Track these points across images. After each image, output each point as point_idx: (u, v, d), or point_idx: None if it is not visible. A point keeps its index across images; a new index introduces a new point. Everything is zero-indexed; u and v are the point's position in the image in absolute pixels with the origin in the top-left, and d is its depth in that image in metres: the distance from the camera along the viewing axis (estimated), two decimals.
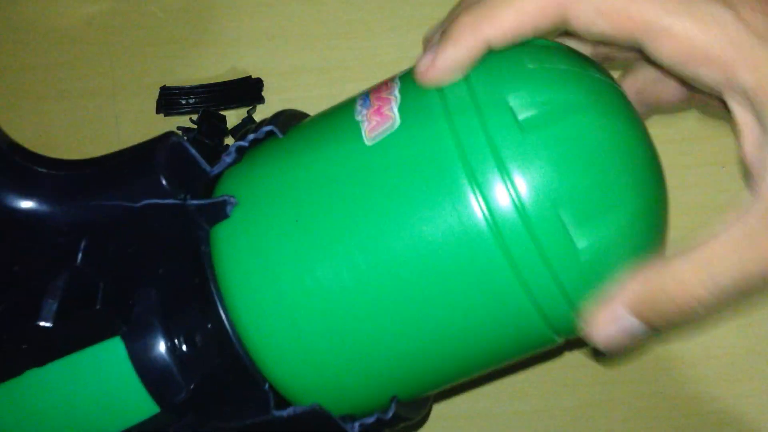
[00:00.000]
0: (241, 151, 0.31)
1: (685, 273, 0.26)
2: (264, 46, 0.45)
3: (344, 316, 0.27)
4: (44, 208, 0.29)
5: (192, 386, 0.29)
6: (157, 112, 0.44)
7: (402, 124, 0.27)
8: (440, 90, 0.27)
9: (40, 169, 0.30)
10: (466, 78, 0.27)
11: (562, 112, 0.26)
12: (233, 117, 0.44)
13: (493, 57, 0.27)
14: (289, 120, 0.32)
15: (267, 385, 0.29)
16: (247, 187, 0.30)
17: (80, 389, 0.30)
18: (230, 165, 0.31)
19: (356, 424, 0.29)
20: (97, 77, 0.45)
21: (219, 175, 0.31)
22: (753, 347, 0.43)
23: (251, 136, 0.31)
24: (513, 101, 0.26)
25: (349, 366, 0.28)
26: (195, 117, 0.43)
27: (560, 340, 0.29)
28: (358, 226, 0.27)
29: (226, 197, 0.29)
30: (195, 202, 0.29)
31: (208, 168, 0.30)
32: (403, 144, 0.27)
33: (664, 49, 0.25)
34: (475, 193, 0.25)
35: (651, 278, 0.26)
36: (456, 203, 0.26)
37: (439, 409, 0.43)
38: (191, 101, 0.44)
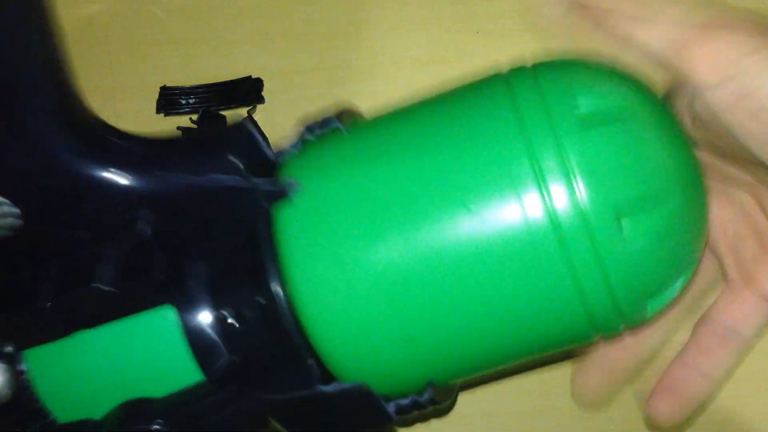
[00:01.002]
0: (304, 138, 0.33)
1: None
2: (264, 46, 0.45)
3: (403, 298, 0.29)
4: (117, 177, 0.31)
5: (236, 358, 0.31)
6: (157, 112, 0.44)
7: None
8: (507, 79, 0.30)
9: (118, 141, 0.32)
10: (534, 70, 0.29)
11: (621, 113, 0.28)
12: (233, 117, 0.44)
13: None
14: (349, 117, 0.34)
15: (312, 362, 0.30)
16: (317, 172, 0.31)
17: (128, 352, 0.32)
18: (299, 144, 0.33)
19: (391, 404, 0.30)
20: (97, 77, 0.45)
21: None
22: (753, 347, 0.43)
23: (318, 131, 0.33)
24: (578, 98, 0.28)
25: (398, 346, 0.29)
26: (195, 117, 0.43)
27: (595, 338, 0.30)
28: (425, 212, 0.28)
29: (291, 180, 0.31)
30: (261, 181, 0.31)
31: (271, 154, 0.32)
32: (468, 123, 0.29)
33: None
34: (539, 186, 0.27)
35: None
36: (520, 192, 0.27)
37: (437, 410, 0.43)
38: (191, 101, 0.44)
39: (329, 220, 0.30)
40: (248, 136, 0.32)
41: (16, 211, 0.31)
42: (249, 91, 0.44)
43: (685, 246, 0.29)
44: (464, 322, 0.29)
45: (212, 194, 0.31)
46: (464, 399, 0.43)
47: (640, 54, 0.28)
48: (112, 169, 0.31)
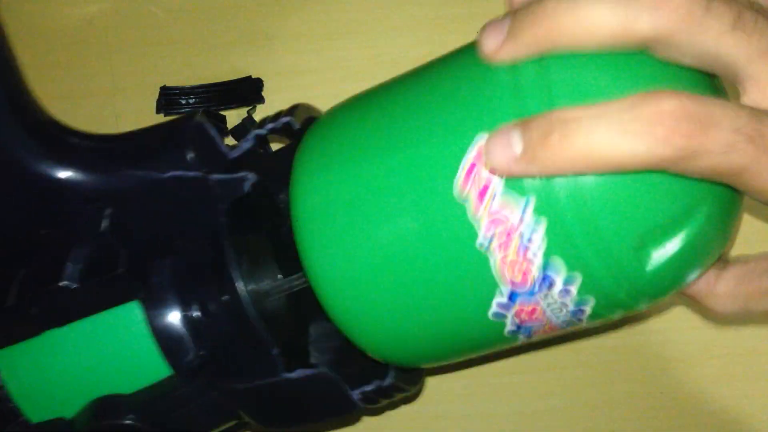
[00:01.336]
0: (259, 139, 0.34)
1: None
2: (264, 46, 0.45)
3: (392, 272, 0.26)
4: (77, 176, 0.32)
5: (203, 351, 0.32)
6: (157, 112, 0.44)
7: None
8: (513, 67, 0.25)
9: (74, 140, 0.33)
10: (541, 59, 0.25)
11: None
12: (233, 117, 0.44)
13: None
14: (304, 113, 0.34)
15: (277, 351, 0.31)
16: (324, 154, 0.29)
17: (97, 350, 0.32)
18: (248, 150, 0.33)
19: (356, 392, 0.31)
20: (97, 77, 0.45)
21: (238, 159, 0.33)
22: (753, 347, 0.43)
23: (270, 125, 0.33)
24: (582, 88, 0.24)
25: (394, 311, 0.27)
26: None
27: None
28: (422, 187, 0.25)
29: (244, 174, 0.32)
30: (217, 176, 0.31)
31: (226, 151, 0.33)
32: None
33: None
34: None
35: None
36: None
37: (438, 410, 0.43)
38: (191, 101, 0.44)
39: (335, 199, 0.27)
40: (202, 132, 0.32)
41: None
42: (249, 91, 0.44)
43: (718, 242, 0.26)
44: (452, 295, 0.26)
45: (170, 189, 0.32)
46: (463, 399, 0.43)
47: None
48: (70, 168, 0.31)
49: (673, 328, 0.43)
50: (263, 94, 0.44)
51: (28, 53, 0.47)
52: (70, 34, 0.45)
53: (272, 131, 0.34)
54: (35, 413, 0.32)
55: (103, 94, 0.45)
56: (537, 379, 0.43)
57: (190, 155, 0.32)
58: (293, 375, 0.31)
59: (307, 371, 0.30)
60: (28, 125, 0.32)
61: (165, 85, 0.44)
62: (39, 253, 0.32)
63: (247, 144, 0.33)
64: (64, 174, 0.32)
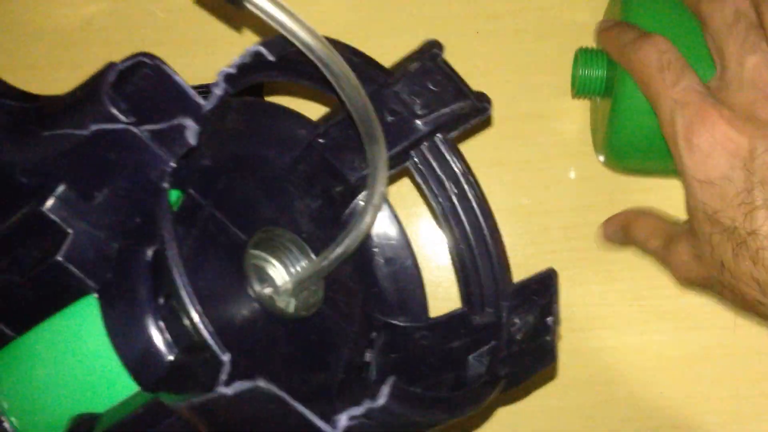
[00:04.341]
0: (229, 79, 0.28)
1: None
2: None
3: None
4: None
5: (171, 357, 0.26)
6: None
7: None
8: None
9: None
10: None
11: None
12: None
13: None
14: (280, 44, 0.29)
15: (227, 357, 0.24)
16: None
17: (63, 360, 0.28)
18: (222, 98, 0.28)
19: (343, 416, 0.25)
20: None
21: (217, 111, 0.28)
22: (753, 347, 0.43)
23: (238, 60, 0.28)
24: None
25: None
26: None
27: None
28: None
29: (181, 120, 0.26)
30: (147, 126, 0.25)
31: (200, 100, 0.27)
32: None
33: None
34: None
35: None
36: None
37: None
38: None
39: None
40: (155, 76, 0.27)
41: None
42: (249, 91, 0.44)
43: None
44: None
45: (97, 152, 0.26)
46: None
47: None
48: None
49: (673, 328, 0.43)
50: (263, 94, 0.44)
51: (28, 53, 0.47)
52: (70, 34, 0.45)
53: (242, 67, 0.28)
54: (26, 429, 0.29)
55: None
56: (537, 379, 0.43)
57: (109, 107, 0.25)
58: (230, 389, 0.24)
59: (245, 384, 0.24)
60: None
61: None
62: None
63: (218, 90, 0.27)
64: None
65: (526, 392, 0.43)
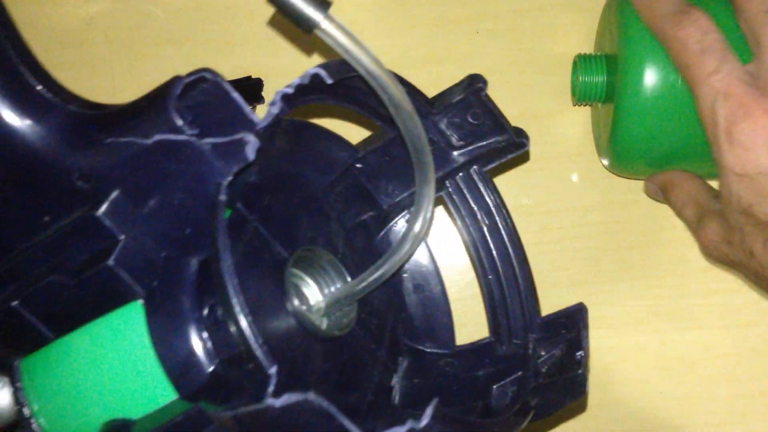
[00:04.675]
0: (286, 99, 0.29)
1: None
2: (264, 46, 0.45)
3: None
4: (55, 142, 0.27)
5: (212, 368, 0.26)
6: None
7: None
8: None
9: (55, 100, 0.28)
10: None
11: None
12: None
13: None
14: (336, 66, 0.30)
15: (274, 369, 0.25)
16: None
17: (102, 363, 0.28)
18: (277, 116, 0.28)
19: None
20: (97, 77, 0.45)
21: (270, 129, 0.28)
22: (753, 347, 0.43)
23: (297, 81, 0.28)
24: None
25: None
26: None
27: None
28: None
29: (244, 135, 0.26)
30: (210, 140, 0.26)
31: (255, 118, 0.27)
32: None
33: None
34: None
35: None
36: None
37: None
38: None
39: None
40: (215, 93, 0.27)
41: None
42: (249, 91, 0.44)
43: None
44: None
45: (157, 161, 0.27)
46: None
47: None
48: (55, 137, 0.28)
49: (674, 328, 0.43)
50: (263, 94, 0.44)
51: None
52: (70, 34, 0.45)
53: (300, 88, 0.28)
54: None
55: (103, 94, 0.45)
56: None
57: (175, 115, 0.26)
58: (278, 402, 0.24)
59: (294, 397, 0.24)
60: (15, 92, 0.28)
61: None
62: (42, 248, 0.28)
63: (275, 108, 0.28)
64: (46, 143, 0.27)
65: (556, 422, 0.43)
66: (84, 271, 0.27)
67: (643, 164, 0.39)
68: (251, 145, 0.26)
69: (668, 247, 0.43)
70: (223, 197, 0.26)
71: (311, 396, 0.24)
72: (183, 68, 0.45)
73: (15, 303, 0.28)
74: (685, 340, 0.43)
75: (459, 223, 0.36)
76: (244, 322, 0.24)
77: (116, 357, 0.28)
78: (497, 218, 0.35)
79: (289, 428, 0.25)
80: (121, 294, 0.27)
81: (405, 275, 0.36)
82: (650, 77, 0.35)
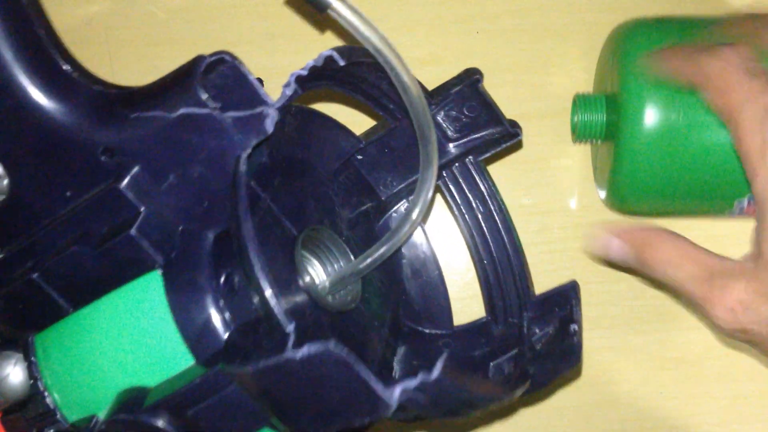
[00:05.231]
0: (300, 81, 0.30)
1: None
2: (264, 46, 0.45)
3: None
4: (81, 119, 0.29)
5: (227, 334, 0.28)
6: None
7: None
8: None
9: (81, 80, 0.30)
10: None
11: None
12: None
13: None
14: (348, 50, 0.31)
15: (292, 326, 0.26)
16: None
17: (120, 332, 0.29)
18: (291, 98, 0.30)
19: (397, 388, 0.25)
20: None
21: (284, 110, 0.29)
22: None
23: (311, 63, 0.30)
24: None
25: None
26: None
27: None
28: None
29: (264, 109, 0.28)
30: (232, 113, 0.28)
31: (269, 99, 0.29)
32: None
33: None
34: None
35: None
36: None
37: None
38: None
39: None
40: (233, 73, 0.29)
41: (1, 171, 0.30)
42: None
43: None
44: None
45: (181, 134, 0.28)
46: None
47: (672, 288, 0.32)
48: (81, 113, 0.29)
49: (673, 328, 0.43)
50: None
51: None
52: (70, 34, 0.45)
53: (313, 70, 0.30)
54: (70, 410, 0.31)
55: None
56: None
57: (200, 93, 0.28)
58: (299, 353, 0.25)
59: (313, 347, 0.24)
60: (43, 70, 0.29)
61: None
62: (58, 215, 0.30)
63: (288, 90, 0.29)
64: (71, 117, 0.29)
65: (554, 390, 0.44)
66: (106, 241, 0.28)
67: (643, 204, 0.39)
68: (270, 118, 0.28)
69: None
70: (243, 167, 0.27)
71: (332, 344, 0.25)
72: None
73: (35, 275, 0.29)
74: (685, 340, 0.43)
75: (455, 210, 0.37)
76: (263, 281, 0.26)
77: (135, 325, 0.29)
78: (491, 206, 0.36)
79: (309, 379, 0.26)
80: (141, 263, 0.29)
81: (404, 261, 0.37)
82: (651, 116, 0.35)
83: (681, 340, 0.43)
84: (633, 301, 0.43)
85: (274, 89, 0.45)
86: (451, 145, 0.36)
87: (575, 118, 0.40)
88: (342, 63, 0.30)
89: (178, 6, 0.45)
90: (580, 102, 0.40)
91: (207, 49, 0.45)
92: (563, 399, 0.43)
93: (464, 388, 0.27)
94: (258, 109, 0.28)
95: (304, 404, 0.27)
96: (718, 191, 0.36)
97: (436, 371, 0.25)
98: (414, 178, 0.36)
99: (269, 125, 0.28)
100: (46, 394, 0.30)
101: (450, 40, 0.44)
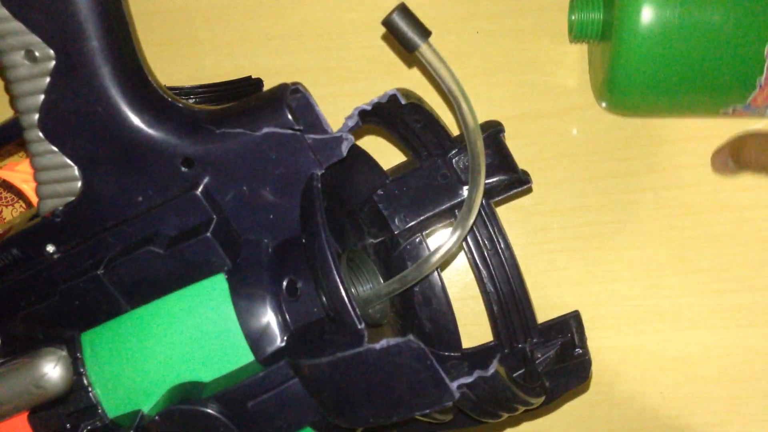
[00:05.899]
0: (363, 115, 0.32)
1: None
2: (264, 46, 0.45)
3: None
4: (172, 134, 0.31)
5: (287, 335, 0.30)
6: None
7: None
8: None
9: (176, 103, 0.32)
10: None
11: None
12: None
13: None
14: (405, 92, 0.34)
15: (363, 325, 0.28)
16: None
17: (180, 330, 0.31)
18: (352, 128, 0.32)
19: (455, 384, 0.28)
20: None
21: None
22: (753, 347, 0.43)
23: (375, 100, 0.33)
24: None
25: None
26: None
27: None
28: None
29: (342, 134, 0.30)
30: (313, 135, 0.30)
31: (330, 129, 0.31)
32: None
33: None
34: None
35: None
36: None
37: None
38: (191, 101, 0.44)
39: None
40: (304, 101, 0.31)
41: (77, 173, 0.31)
42: (249, 91, 0.44)
43: None
44: None
45: (264, 150, 0.31)
46: None
47: None
48: (169, 127, 0.31)
49: (673, 328, 0.43)
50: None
51: None
52: None
53: (377, 106, 0.32)
54: (113, 406, 0.32)
55: None
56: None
57: (287, 115, 0.30)
58: (378, 345, 0.27)
59: (393, 340, 0.27)
60: (134, 81, 0.31)
61: (165, 85, 0.44)
62: (130, 221, 0.31)
63: (351, 121, 0.32)
64: (161, 132, 0.31)
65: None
66: (178, 244, 0.30)
67: (641, 101, 0.39)
68: (346, 143, 0.30)
69: (669, 247, 0.43)
70: (318, 184, 0.30)
71: (411, 337, 0.27)
72: (183, 68, 0.45)
73: (100, 272, 0.31)
74: (685, 340, 0.43)
75: (464, 245, 0.39)
76: (341, 287, 0.28)
77: (199, 323, 0.31)
78: (497, 245, 0.39)
79: (384, 369, 0.28)
80: (208, 266, 0.31)
81: (416, 290, 0.39)
82: (647, 13, 0.36)
83: (681, 340, 0.43)
84: (633, 301, 0.43)
85: None
86: (464, 187, 0.38)
87: (573, 17, 0.41)
88: (403, 102, 0.33)
89: (178, 6, 0.45)
90: (578, 1, 0.40)
91: (207, 49, 0.46)
92: (563, 399, 0.43)
93: (510, 388, 0.30)
94: (338, 134, 0.30)
95: (371, 394, 0.29)
96: (715, 86, 0.37)
97: (492, 368, 0.29)
98: (426, 216, 0.38)
99: (345, 149, 0.30)
100: (90, 389, 0.32)
101: (450, 40, 0.44)
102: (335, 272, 0.28)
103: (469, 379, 0.28)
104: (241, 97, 0.44)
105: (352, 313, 0.28)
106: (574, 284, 0.44)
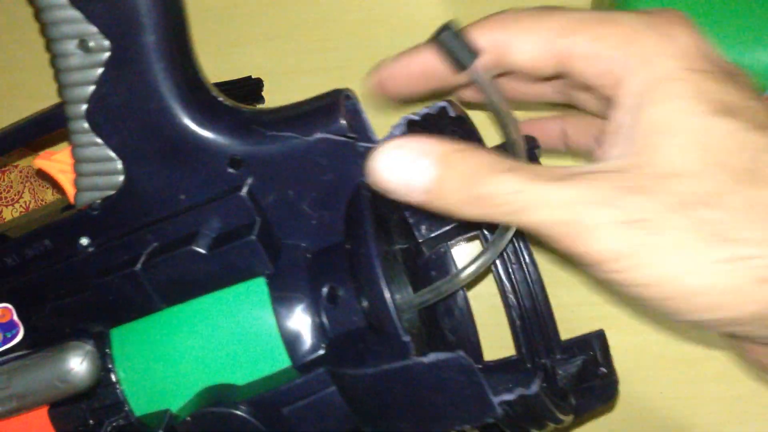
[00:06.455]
0: (410, 125, 0.32)
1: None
2: (264, 46, 0.45)
3: None
4: (222, 135, 0.30)
5: (325, 343, 0.30)
6: None
7: None
8: None
9: (227, 104, 0.32)
10: None
11: None
12: None
13: None
14: (457, 104, 0.34)
15: (408, 338, 0.28)
16: None
17: (216, 331, 0.31)
18: (398, 137, 0.31)
19: (497, 399, 0.28)
20: None
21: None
22: None
23: (425, 110, 0.32)
24: None
25: None
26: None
27: None
28: None
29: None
30: (364, 143, 0.30)
31: (376, 137, 0.31)
32: None
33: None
34: None
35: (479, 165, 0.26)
36: None
37: None
38: None
39: None
40: (355, 109, 0.31)
41: (120, 167, 0.31)
42: (249, 91, 0.44)
43: None
44: None
45: (314, 155, 0.30)
46: None
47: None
48: (219, 127, 0.30)
49: (673, 328, 0.43)
50: (263, 94, 0.44)
51: (28, 53, 0.47)
52: None
53: (426, 117, 0.32)
54: (140, 404, 0.32)
55: None
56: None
57: (342, 121, 0.30)
58: (427, 359, 0.27)
59: (442, 355, 0.27)
60: (186, 80, 0.31)
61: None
62: (171, 219, 0.31)
63: (397, 131, 0.32)
64: (210, 132, 0.31)
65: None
66: (222, 244, 0.30)
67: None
68: None
69: None
70: (368, 193, 0.30)
71: (461, 353, 0.27)
72: None
73: (137, 268, 0.30)
74: (685, 340, 0.43)
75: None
76: (388, 298, 0.28)
77: (237, 326, 0.30)
78: (522, 260, 0.39)
79: (430, 383, 0.28)
80: (250, 269, 0.30)
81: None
82: None
83: (681, 340, 0.43)
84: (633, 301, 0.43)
85: (274, 90, 0.45)
86: None
87: None
88: (452, 114, 0.32)
89: None
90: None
91: (207, 49, 0.45)
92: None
93: (549, 408, 0.30)
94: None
95: (413, 406, 0.29)
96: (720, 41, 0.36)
97: (535, 387, 0.28)
98: (452, 226, 0.38)
99: None
100: (117, 386, 0.31)
101: None
102: (383, 283, 0.28)
103: (511, 397, 0.28)
104: (241, 97, 0.44)
105: (398, 324, 0.28)
106: (575, 284, 0.44)
